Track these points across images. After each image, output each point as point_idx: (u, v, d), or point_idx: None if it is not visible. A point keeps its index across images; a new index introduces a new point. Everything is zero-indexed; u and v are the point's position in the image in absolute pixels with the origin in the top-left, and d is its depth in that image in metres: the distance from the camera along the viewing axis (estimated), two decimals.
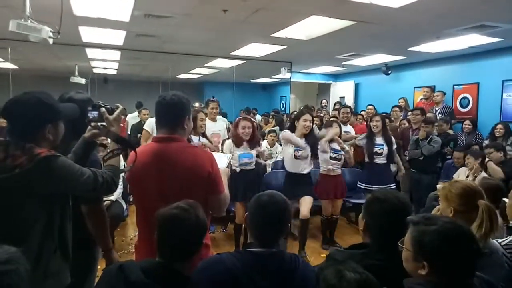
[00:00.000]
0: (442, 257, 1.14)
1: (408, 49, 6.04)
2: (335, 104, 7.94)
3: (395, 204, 1.44)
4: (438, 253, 1.14)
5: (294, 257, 1.40)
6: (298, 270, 1.35)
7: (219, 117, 4.92)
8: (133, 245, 3.98)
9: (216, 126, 4.66)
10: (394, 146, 4.41)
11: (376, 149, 4.33)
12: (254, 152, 3.86)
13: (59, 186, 1.41)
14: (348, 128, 5.11)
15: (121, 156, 1.77)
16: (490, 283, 1.23)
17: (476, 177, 3.99)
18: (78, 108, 1.72)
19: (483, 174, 4.00)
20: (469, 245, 1.15)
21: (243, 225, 3.88)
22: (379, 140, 4.35)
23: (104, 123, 1.61)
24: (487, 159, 4.17)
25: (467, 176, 4.06)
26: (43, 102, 1.45)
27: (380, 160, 4.33)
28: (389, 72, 7.56)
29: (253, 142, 3.82)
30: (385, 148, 4.30)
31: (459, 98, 6.47)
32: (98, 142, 1.83)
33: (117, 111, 1.65)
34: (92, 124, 1.61)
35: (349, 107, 5.54)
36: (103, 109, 1.60)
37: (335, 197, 4.12)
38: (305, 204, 3.77)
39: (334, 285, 1.00)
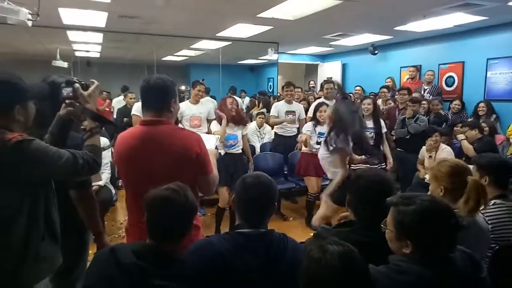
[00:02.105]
0: (424, 235, 1.18)
1: (395, 29, 6.03)
2: (321, 84, 7.91)
3: (376, 181, 1.49)
4: (419, 231, 1.18)
5: (283, 237, 1.42)
6: (287, 249, 1.37)
7: (207, 99, 4.84)
8: (123, 229, 4.00)
9: (197, 109, 4.55)
10: (384, 130, 4.38)
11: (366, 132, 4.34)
12: (239, 134, 3.84)
13: (36, 172, 1.35)
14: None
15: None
16: (471, 256, 1.27)
17: (436, 151, 4.16)
18: (47, 86, 1.65)
19: (444, 146, 4.18)
20: (448, 221, 1.19)
21: (226, 209, 3.91)
22: (369, 123, 4.31)
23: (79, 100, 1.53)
24: (462, 137, 4.29)
25: (429, 157, 4.25)
26: (8, 82, 1.37)
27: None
28: (376, 52, 7.56)
29: (239, 121, 3.79)
30: (375, 132, 4.27)
31: (444, 77, 6.53)
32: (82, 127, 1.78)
33: (92, 87, 1.58)
34: (67, 101, 1.53)
35: (333, 82, 5.42)
36: (77, 85, 1.53)
37: (317, 175, 4.15)
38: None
39: (319, 258, 1.03)
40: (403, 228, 1.21)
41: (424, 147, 4.48)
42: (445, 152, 4.21)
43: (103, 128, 1.77)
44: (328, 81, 5.43)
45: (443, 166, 1.79)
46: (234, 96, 4.05)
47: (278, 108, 5.05)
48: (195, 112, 4.49)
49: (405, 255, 1.21)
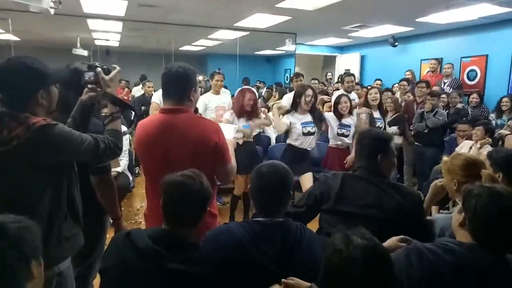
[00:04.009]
0: (489, 224, 1.15)
1: (417, 20, 5.89)
2: (339, 77, 7.81)
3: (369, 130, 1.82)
4: (486, 217, 1.15)
5: (300, 226, 1.43)
6: (303, 238, 1.38)
7: (223, 89, 4.83)
8: (140, 216, 4.06)
9: (221, 99, 4.56)
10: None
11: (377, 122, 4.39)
12: (252, 124, 3.84)
13: (59, 155, 1.38)
14: (353, 96, 4.96)
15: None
16: None
17: (480, 148, 3.96)
18: (68, 70, 1.67)
19: (489, 148, 3.97)
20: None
21: (241, 198, 3.93)
22: (376, 114, 4.39)
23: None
24: (507, 132, 4.09)
25: (470, 148, 4.04)
26: (30, 67, 1.37)
27: None
28: (396, 44, 7.41)
29: (253, 113, 3.78)
30: (382, 122, 4.42)
31: (466, 71, 6.37)
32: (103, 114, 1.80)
33: (114, 71, 1.60)
34: (89, 86, 1.56)
35: (353, 74, 5.34)
36: (98, 69, 1.55)
37: (342, 168, 4.12)
38: (308, 181, 3.77)
39: (341, 250, 1.01)
40: (472, 212, 1.20)
41: (464, 142, 4.27)
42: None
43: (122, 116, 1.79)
44: (348, 73, 5.34)
45: (456, 160, 1.77)
46: (251, 88, 3.99)
47: (290, 99, 5.01)
48: (219, 103, 4.49)
49: (456, 229, 1.24)
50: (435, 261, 1.15)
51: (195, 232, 1.38)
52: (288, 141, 3.87)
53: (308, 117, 3.79)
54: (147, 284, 1.24)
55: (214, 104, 4.42)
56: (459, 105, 5.31)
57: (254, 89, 4.05)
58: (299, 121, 3.75)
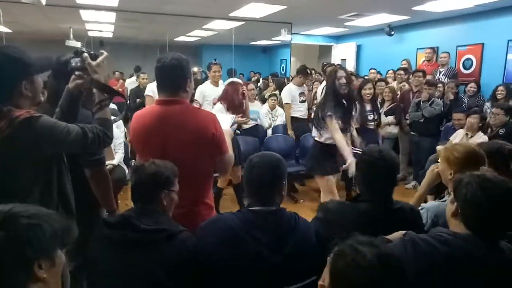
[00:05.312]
0: (481, 212, 1.15)
1: (413, 8, 5.85)
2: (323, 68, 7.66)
3: (375, 157, 1.58)
4: (477, 206, 1.15)
5: (294, 215, 1.44)
6: (298, 226, 1.39)
7: (220, 81, 4.74)
8: None
9: (219, 92, 4.48)
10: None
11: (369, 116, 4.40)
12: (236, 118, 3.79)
13: (45, 148, 1.34)
14: None
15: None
16: None
17: (472, 136, 3.99)
18: (52, 59, 1.62)
19: (481, 135, 3.99)
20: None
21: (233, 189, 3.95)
22: (368, 106, 4.39)
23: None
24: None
25: (465, 135, 4.06)
26: (12, 56, 1.31)
27: (371, 125, 4.43)
28: (392, 33, 7.37)
29: (238, 108, 3.66)
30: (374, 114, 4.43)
31: (462, 59, 6.35)
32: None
33: (101, 57, 1.55)
34: (76, 72, 1.51)
35: (334, 65, 5.34)
36: (85, 55, 1.50)
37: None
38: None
39: (354, 260, 0.90)
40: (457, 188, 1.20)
41: (459, 131, 4.27)
42: (481, 139, 3.83)
43: (116, 108, 1.77)
44: (330, 64, 5.36)
45: (457, 151, 1.71)
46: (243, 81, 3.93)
47: (291, 92, 5.06)
48: (217, 95, 4.42)
49: (450, 220, 1.24)
50: (430, 252, 1.15)
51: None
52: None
53: None
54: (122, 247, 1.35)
55: (212, 96, 4.35)
56: (451, 96, 5.26)
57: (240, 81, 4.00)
58: None
